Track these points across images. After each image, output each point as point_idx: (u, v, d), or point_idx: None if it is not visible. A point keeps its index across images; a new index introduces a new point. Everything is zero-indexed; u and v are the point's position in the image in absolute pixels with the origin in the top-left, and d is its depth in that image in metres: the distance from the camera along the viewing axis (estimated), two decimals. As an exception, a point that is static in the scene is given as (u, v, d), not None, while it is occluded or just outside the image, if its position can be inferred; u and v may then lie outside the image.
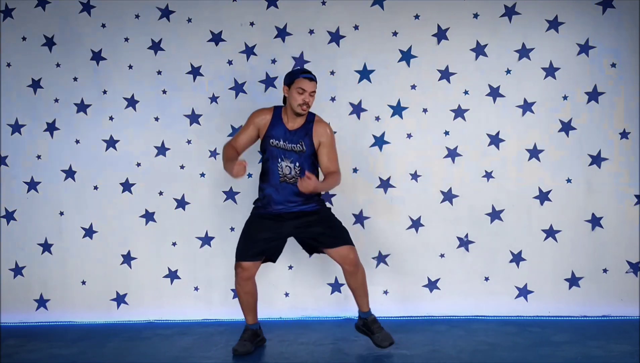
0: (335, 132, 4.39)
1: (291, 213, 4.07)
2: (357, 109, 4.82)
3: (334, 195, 4.84)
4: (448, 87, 4.79)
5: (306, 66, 4.79)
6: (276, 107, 4.15)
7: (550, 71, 4.74)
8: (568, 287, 4.80)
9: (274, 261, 4.23)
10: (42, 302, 5.00)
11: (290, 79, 4.04)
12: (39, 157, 4.97)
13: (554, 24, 4.73)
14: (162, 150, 4.92)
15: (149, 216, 4.95)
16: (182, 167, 4.92)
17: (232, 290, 4.92)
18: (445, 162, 4.82)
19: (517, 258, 4.81)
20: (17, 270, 5.01)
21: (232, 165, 3.90)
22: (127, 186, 4.94)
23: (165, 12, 4.88)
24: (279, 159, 4.04)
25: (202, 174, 4.92)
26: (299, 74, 4.03)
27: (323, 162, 4.13)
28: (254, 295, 4.21)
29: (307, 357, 4.08)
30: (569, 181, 4.77)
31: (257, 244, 4.08)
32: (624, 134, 4.72)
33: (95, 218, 4.96)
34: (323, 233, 4.07)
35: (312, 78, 4.03)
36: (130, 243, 4.96)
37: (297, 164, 4.04)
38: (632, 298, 4.75)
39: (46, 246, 4.99)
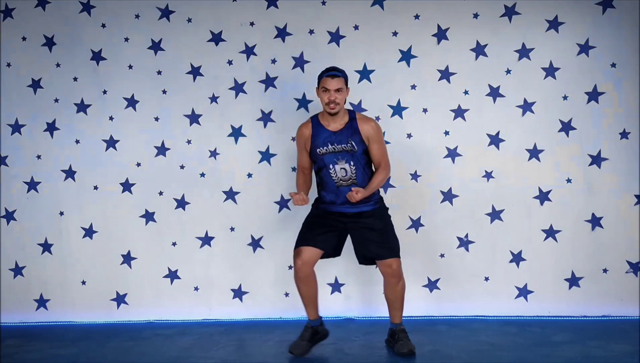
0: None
1: (352, 213, 4.05)
2: (357, 109, 4.82)
3: (334, 195, 4.83)
4: (448, 87, 4.79)
5: (306, 66, 4.80)
6: (313, 117, 4.14)
7: (550, 71, 4.74)
8: (568, 287, 4.80)
9: (338, 254, 4.15)
10: (42, 302, 5.00)
11: (318, 81, 4.06)
12: (39, 157, 4.97)
13: (554, 24, 4.73)
14: (162, 150, 4.92)
15: (149, 216, 4.95)
16: (182, 167, 4.92)
17: (232, 290, 4.92)
18: (445, 162, 4.82)
19: (517, 258, 4.82)
20: (17, 270, 5.01)
21: (297, 193, 3.98)
22: (127, 186, 4.94)
23: (165, 12, 4.88)
24: (331, 165, 4.02)
25: (202, 174, 4.92)
26: (323, 74, 4.03)
27: (374, 157, 4.08)
28: (314, 286, 4.08)
29: (307, 356, 4.08)
30: (569, 181, 4.77)
31: (318, 230, 4.03)
32: (624, 134, 4.72)
33: (95, 218, 4.96)
34: (375, 242, 4.05)
35: (335, 75, 3.99)
36: (130, 243, 4.96)
37: (352, 163, 4.02)
38: (632, 298, 4.75)
39: (46, 246, 4.99)
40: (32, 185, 4.97)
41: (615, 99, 4.72)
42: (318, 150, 4.03)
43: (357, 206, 4.03)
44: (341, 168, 4.02)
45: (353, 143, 4.02)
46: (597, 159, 4.75)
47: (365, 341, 4.24)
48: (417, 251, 4.84)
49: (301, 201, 3.95)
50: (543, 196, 4.78)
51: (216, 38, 4.86)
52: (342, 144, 4.02)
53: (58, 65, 4.93)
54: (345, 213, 4.05)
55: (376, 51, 4.80)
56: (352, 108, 4.80)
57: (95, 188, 4.95)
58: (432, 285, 4.86)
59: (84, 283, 4.98)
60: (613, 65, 4.71)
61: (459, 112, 4.80)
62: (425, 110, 4.81)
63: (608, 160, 4.74)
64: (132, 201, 4.94)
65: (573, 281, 4.80)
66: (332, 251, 4.12)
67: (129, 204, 4.94)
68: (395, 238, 4.12)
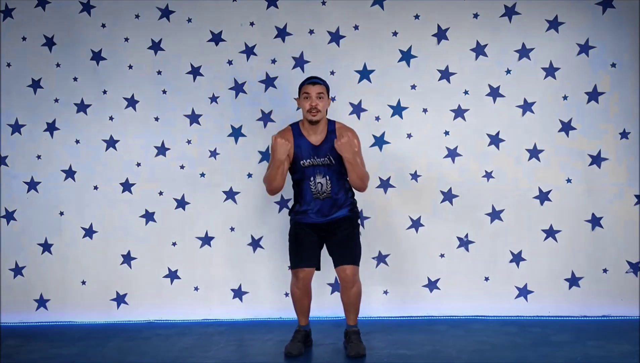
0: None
1: (325, 223, 4.11)
2: (357, 109, 4.82)
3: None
4: (448, 87, 4.79)
5: (306, 66, 4.80)
6: (292, 126, 4.15)
7: (550, 71, 4.74)
8: (568, 287, 4.80)
9: (319, 268, 4.21)
10: (42, 302, 5.00)
11: (299, 91, 4.09)
12: (39, 157, 4.97)
13: (554, 24, 4.73)
14: (162, 150, 4.92)
15: (149, 216, 4.95)
16: (182, 167, 4.92)
17: (232, 290, 4.92)
18: (445, 162, 4.82)
19: (517, 258, 4.82)
20: (17, 270, 5.00)
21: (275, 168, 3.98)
22: (127, 186, 4.94)
23: (165, 12, 4.88)
24: (312, 178, 4.06)
25: (202, 174, 4.92)
26: (303, 83, 4.08)
27: None
28: (309, 297, 4.20)
29: (308, 356, 4.08)
30: (569, 181, 4.77)
31: (307, 251, 4.11)
32: (624, 134, 4.73)
33: (95, 218, 4.96)
34: (338, 246, 4.10)
35: (316, 82, 4.04)
36: (130, 243, 4.96)
37: (328, 177, 4.07)
38: (632, 298, 4.75)
39: (46, 246, 4.99)
40: (32, 185, 4.97)
41: (615, 99, 4.72)
42: (302, 162, 4.07)
43: (330, 216, 4.09)
44: (319, 182, 4.07)
45: (331, 158, 4.06)
46: (597, 159, 4.75)
47: (365, 341, 4.23)
48: (417, 251, 4.84)
49: (285, 143, 3.94)
50: (543, 196, 4.78)
51: (216, 38, 4.86)
52: (322, 158, 4.06)
53: (58, 65, 4.93)
54: (321, 223, 4.10)
55: (376, 50, 4.80)
56: (352, 108, 4.81)
57: (95, 188, 4.95)
58: (432, 285, 4.86)
59: (84, 283, 4.98)
60: (613, 65, 4.71)
61: (459, 112, 4.80)
62: (425, 110, 4.81)
63: (608, 160, 4.74)
64: (132, 201, 4.94)
65: (573, 281, 4.80)
66: (319, 264, 4.21)
67: (129, 204, 4.94)
68: (359, 246, 4.15)
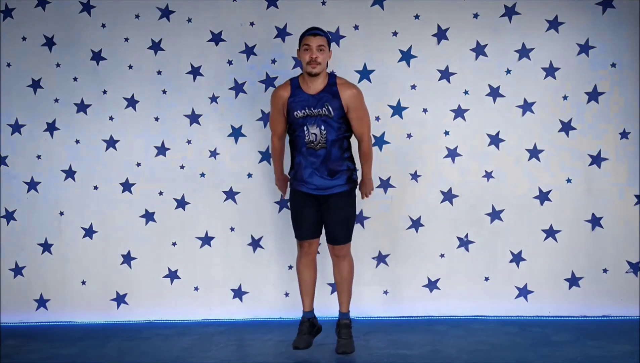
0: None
1: (323, 196, 4.09)
2: (357, 109, 4.82)
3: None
4: (448, 87, 4.79)
5: (306, 66, 4.81)
6: (292, 79, 4.13)
7: (550, 71, 4.74)
8: (568, 287, 4.80)
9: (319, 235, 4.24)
10: (42, 302, 5.00)
11: (299, 42, 4.05)
12: (39, 157, 4.97)
13: (554, 24, 4.73)
14: (162, 150, 4.92)
15: (149, 216, 4.95)
16: (182, 167, 4.92)
17: (232, 290, 4.92)
18: (445, 162, 4.82)
19: (517, 258, 4.82)
20: (17, 270, 5.00)
21: (278, 171, 4.34)
22: (127, 186, 4.94)
23: (165, 12, 4.87)
24: (305, 127, 4.02)
25: (202, 174, 4.92)
26: (304, 33, 4.03)
27: (354, 128, 4.12)
28: (314, 271, 4.23)
29: (307, 357, 4.08)
30: (569, 181, 4.77)
31: (308, 224, 4.12)
32: (624, 134, 4.73)
33: (95, 218, 4.96)
34: (336, 226, 4.10)
35: (317, 33, 3.99)
36: (130, 243, 4.96)
37: (323, 128, 4.01)
38: (632, 298, 4.75)
39: (46, 246, 4.99)
40: (32, 185, 4.97)
41: (615, 99, 4.72)
42: (295, 113, 4.03)
43: (328, 189, 4.06)
44: (312, 133, 4.02)
45: (330, 108, 4.00)
46: (597, 159, 4.75)
47: (365, 341, 4.24)
48: (417, 251, 4.84)
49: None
50: (543, 196, 4.78)
51: (216, 38, 4.86)
52: (318, 108, 4.00)
53: (58, 65, 4.93)
54: (316, 196, 4.09)
55: (376, 51, 4.80)
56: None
57: (95, 188, 4.95)
58: (432, 285, 4.86)
59: (84, 283, 4.98)
60: (613, 65, 4.71)
61: (459, 112, 4.80)
62: (425, 110, 4.81)
63: (608, 160, 4.74)
64: (132, 201, 4.94)
65: (573, 281, 4.80)
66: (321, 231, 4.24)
67: (129, 204, 4.94)
68: (353, 220, 4.19)
